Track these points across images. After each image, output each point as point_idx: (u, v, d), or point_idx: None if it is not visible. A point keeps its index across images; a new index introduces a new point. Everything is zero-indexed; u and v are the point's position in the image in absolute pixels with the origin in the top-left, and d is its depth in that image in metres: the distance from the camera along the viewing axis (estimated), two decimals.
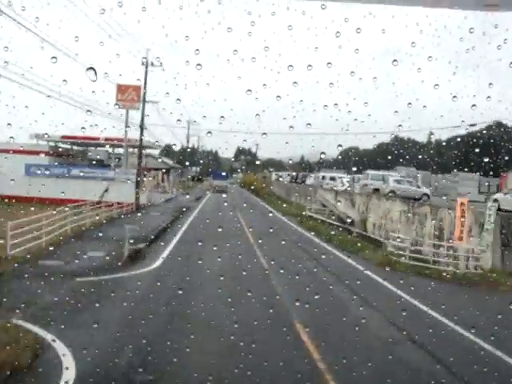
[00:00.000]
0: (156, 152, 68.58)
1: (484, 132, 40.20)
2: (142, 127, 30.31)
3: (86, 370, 6.70)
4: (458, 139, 43.56)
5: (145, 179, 36.28)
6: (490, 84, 7.53)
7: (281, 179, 74.77)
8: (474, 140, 38.88)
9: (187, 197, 50.67)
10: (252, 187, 66.16)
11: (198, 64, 6.07)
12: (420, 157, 51.75)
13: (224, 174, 73.38)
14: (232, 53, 6.39)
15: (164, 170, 70.75)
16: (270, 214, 33.60)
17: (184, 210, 33.54)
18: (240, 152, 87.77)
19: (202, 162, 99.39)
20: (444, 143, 50.82)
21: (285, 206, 42.02)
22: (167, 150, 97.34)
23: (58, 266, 13.18)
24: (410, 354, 8.47)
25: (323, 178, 45.06)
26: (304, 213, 32.05)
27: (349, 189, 37.25)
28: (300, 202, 44.71)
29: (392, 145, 55.85)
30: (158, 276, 13.01)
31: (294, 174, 58.70)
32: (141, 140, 30.65)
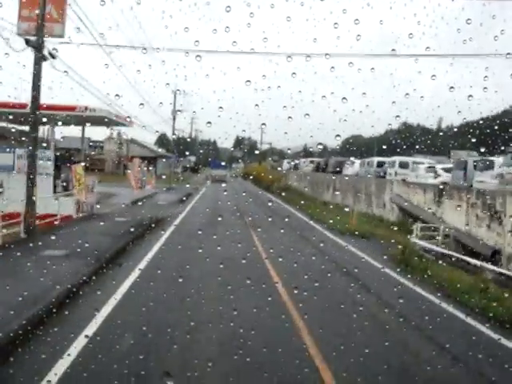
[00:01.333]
0: (135, 134, 52.39)
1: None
2: (38, 59, 12.80)
3: None
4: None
5: (77, 169, 18.78)
6: (485, 77, 6.94)
7: (280, 166, 57.37)
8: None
9: (171, 195, 33.34)
10: (258, 179, 48.89)
11: (198, 55, 6.08)
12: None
13: (223, 163, 66.58)
14: (231, 44, 6.00)
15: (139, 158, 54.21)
16: (322, 243, 16.29)
17: (146, 229, 16.17)
18: (240, 141, 76.20)
19: (201, 151, 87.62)
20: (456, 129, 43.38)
21: (325, 212, 24.70)
22: (162, 139, 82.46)
23: None
24: None
25: (380, 165, 27.70)
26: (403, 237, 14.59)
27: (450, 183, 19.99)
28: (345, 204, 27.41)
29: (400, 131, 51.04)
30: None
31: (321, 160, 41.29)
32: (36, 88, 13.07)
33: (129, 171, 29.23)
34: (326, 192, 31.60)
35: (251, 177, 54.08)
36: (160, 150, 75.70)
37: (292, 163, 55.02)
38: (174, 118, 43.60)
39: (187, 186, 45.29)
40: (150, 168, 43.48)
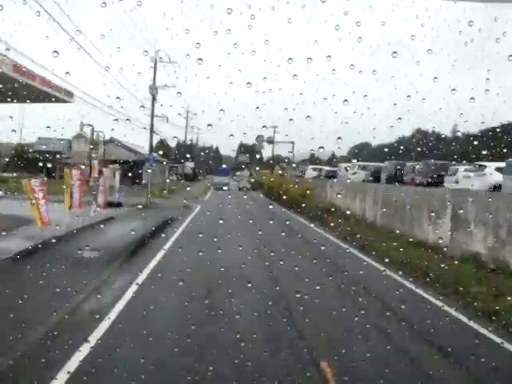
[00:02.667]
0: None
1: None
2: None
3: None
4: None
5: None
6: (488, 79, 6.85)
7: (302, 174, 43.94)
8: None
9: (134, 223, 17.55)
10: (277, 192, 33.22)
11: (199, 58, 6.05)
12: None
13: (224, 166, 61.67)
14: (232, 46, 6.08)
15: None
16: None
17: None
18: (243, 147, 67.93)
19: (202, 154, 78.78)
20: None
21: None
22: (161, 145, 66.75)
23: None
24: None
25: None
26: None
27: None
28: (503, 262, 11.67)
29: (414, 138, 49.12)
30: None
31: (384, 165, 25.52)
32: None
33: (32, 182, 13.40)
34: (426, 224, 15.83)
35: (267, 189, 38.04)
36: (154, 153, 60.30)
37: (321, 170, 39.36)
38: (154, 98, 27.68)
39: (178, 200, 29.76)
40: (116, 175, 28.11)
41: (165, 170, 61.57)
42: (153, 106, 27.08)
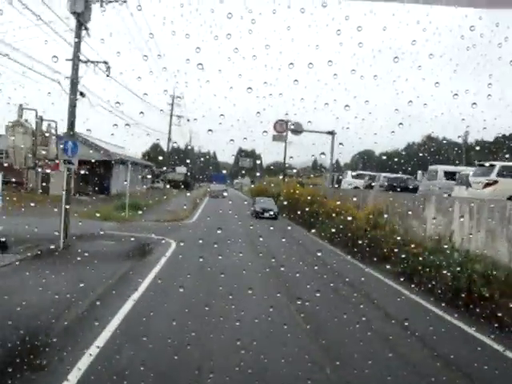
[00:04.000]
0: None
1: None
2: None
3: None
4: None
5: None
6: (490, 84, 7.05)
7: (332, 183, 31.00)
8: None
9: None
10: (301, 211, 19.29)
11: (199, 63, 5.88)
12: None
13: (222, 172, 59.22)
14: (233, 50, 5.99)
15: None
16: None
17: None
18: (242, 153, 60.38)
19: (200, 159, 66.48)
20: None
21: None
22: (154, 150, 61.78)
23: None
24: None
25: None
26: None
27: None
28: None
29: (424, 145, 47.04)
30: None
31: None
32: None
33: None
34: None
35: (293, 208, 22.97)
36: (127, 152, 45.19)
37: (373, 178, 24.95)
38: (80, 22, 12.94)
39: (140, 227, 15.34)
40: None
41: (146, 176, 47.26)
42: (79, 42, 12.69)
